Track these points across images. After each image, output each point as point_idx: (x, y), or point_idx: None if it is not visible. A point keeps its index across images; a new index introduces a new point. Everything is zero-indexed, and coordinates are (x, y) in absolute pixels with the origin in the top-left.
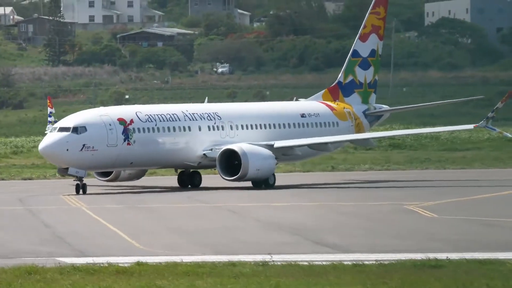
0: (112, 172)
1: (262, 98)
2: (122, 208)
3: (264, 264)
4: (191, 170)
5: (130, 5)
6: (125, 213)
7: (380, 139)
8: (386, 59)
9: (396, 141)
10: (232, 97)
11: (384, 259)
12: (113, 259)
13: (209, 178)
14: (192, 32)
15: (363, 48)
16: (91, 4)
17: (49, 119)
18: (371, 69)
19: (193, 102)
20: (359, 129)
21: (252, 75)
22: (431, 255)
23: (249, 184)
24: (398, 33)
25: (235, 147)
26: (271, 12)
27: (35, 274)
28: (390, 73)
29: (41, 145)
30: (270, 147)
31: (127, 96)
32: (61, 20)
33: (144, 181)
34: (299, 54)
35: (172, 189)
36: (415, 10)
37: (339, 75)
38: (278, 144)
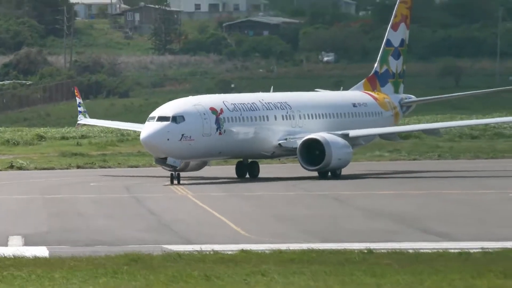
0: None
1: None
2: (228, 196)
3: (370, 251)
4: (250, 160)
5: None
6: (230, 201)
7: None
8: (493, 47)
9: (502, 130)
10: (338, 86)
11: (489, 247)
12: (218, 247)
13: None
14: (297, 21)
15: (395, 37)
16: None
17: (79, 109)
18: (401, 58)
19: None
20: (396, 119)
21: (357, 64)
22: None
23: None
24: (505, 22)
25: (317, 136)
26: (377, 1)
27: (140, 261)
28: (497, 62)
29: (143, 135)
30: (345, 136)
31: (233, 85)
32: (167, 9)
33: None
34: None
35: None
36: None
37: (375, 65)
38: (353, 133)
